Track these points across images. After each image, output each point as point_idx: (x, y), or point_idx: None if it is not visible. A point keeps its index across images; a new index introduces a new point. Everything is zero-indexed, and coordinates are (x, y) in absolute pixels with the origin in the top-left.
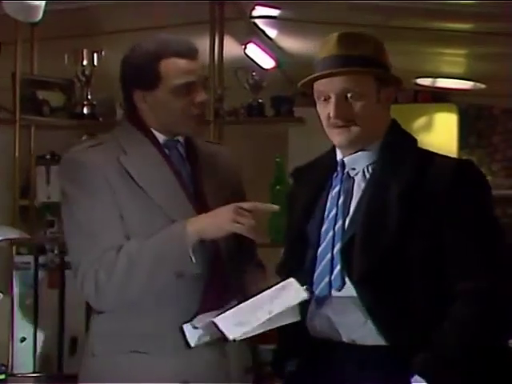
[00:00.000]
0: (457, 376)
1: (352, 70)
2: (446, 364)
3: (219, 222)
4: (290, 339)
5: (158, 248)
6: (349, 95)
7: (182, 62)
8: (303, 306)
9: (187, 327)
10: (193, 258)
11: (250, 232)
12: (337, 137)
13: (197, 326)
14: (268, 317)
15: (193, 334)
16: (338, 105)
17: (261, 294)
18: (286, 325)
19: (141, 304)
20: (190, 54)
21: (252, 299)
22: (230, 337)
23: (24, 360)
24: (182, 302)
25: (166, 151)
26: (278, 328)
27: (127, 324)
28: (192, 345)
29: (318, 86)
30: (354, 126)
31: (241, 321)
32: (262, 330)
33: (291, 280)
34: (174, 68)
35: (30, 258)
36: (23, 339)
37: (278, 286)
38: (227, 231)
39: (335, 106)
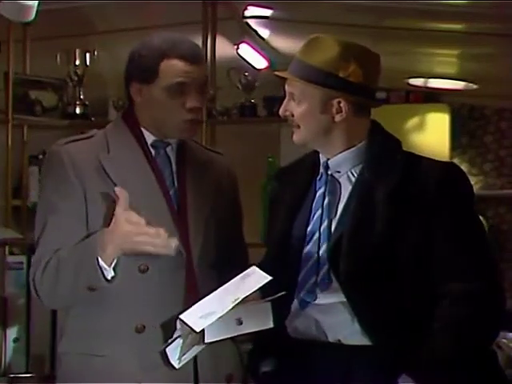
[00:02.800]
0: (446, 376)
1: (290, 77)
2: (436, 364)
3: (119, 242)
4: (266, 340)
5: (77, 257)
6: (294, 98)
7: (181, 65)
8: (282, 307)
9: (169, 349)
10: (106, 274)
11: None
12: (293, 134)
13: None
14: (233, 305)
15: (174, 355)
16: (285, 104)
17: (224, 285)
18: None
19: (99, 305)
20: (194, 58)
21: (216, 291)
22: (197, 329)
23: (17, 360)
24: (142, 305)
25: (153, 152)
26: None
27: (86, 325)
28: (177, 366)
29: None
30: (297, 127)
31: (206, 312)
32: (233, 335)
33: (253, 268)
34: (172, 68)
35: (22, 258)
36: (16, 339)
37: (241, 274)
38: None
39: (283, 104)
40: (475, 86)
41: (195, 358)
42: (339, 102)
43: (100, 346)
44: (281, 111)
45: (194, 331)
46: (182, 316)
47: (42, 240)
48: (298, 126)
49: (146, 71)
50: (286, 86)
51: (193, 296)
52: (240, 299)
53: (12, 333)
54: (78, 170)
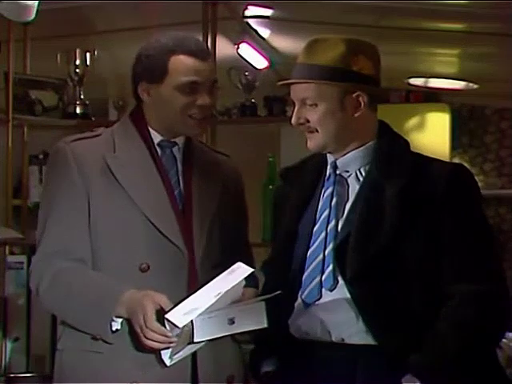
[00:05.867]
0: (451, 376)
1: (304, 81)
2: (441, 364)
3: (133, 321)
4: (268, 339)
5: (87, 304)
6: (308, 103)
7: (191, 61)
8: (286, 306)
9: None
10: (113, 327)
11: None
12: (308, 141)
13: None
14: (215, 299)
15: (166, 353)
16: (297, 112)
17: (209, 283)
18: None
19: None
20: (202, 54)
21: (201, 288)
22: (179, 325)
23: (17, 360)
24: None
25: (159, 152)
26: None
27: None
28: (168, 364)
29: (291, 92)
30: (316, 132)
31: (190, 309)
32: (224, 335)
33: (238, 263)
34: (182, 65)
35: (22, 258)
36: (16, 339)
37: (226, 271)
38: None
39: (294, 113)
40: (475, 86)
41: (194, 358)
42: (358, 96)
43: (99, 343)
44: (294, 120)
45: (177, 327)
46: (167, 315)
47: (43, 240)
48: (316, 131)
49: (154, 70)
50: (295, 94)
51: None
52: (223, 292)
53: (12, 333)
54: (83, 169)
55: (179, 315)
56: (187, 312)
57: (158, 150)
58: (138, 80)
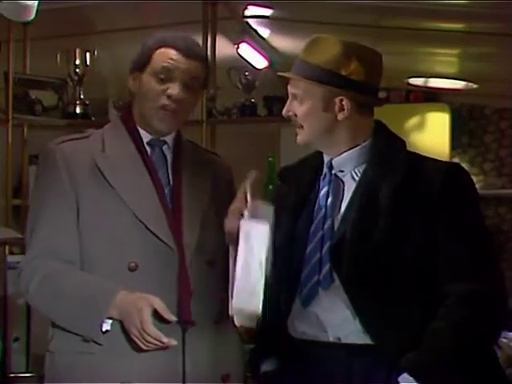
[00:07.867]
0: (448, 375)
1: (294, 77)
2: (438, 363)
3: (127, 323)
4: (266, 339)
5: (78, 305)
6: (297, 98)
7: (172, 53)
8: (284, 306)
9: None
10: (103, 328)
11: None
12: (296, 136)
13: None
14: (263, 267)
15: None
16: (288, 105)
17: (237, 256)
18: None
19: None
20: (187, 51)
21: (237, 266)
22: (257, 310)
23: (17, 360)
24: None
25: (149, 150)
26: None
27: None
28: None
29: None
30: (301, 128)
31: (250, 290)
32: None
33: (245, 221)
34: (162, 55)
35: (22, 258)
36: (16, 339)
37: (241, 240)
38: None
39: (286, 105)
40: (475, 86)
41: (183, 356)
42: (341, 100)
43: (90, 344)
44: (284, 112)
45: (257, 313)
46: (236, 307)
47: (32, 242)
48: (302, 127)
49: (141, 58)
50: (289, 87)
51: (185, 294)
52: (264, 258)
53: (12, 332)
54: (72, 170)
55: (247, 300)
56: (250, 294)
57: (148, 148)
58: (131, 70)
